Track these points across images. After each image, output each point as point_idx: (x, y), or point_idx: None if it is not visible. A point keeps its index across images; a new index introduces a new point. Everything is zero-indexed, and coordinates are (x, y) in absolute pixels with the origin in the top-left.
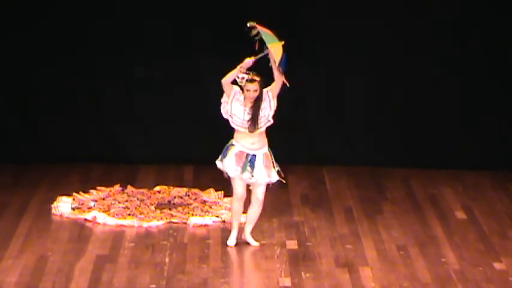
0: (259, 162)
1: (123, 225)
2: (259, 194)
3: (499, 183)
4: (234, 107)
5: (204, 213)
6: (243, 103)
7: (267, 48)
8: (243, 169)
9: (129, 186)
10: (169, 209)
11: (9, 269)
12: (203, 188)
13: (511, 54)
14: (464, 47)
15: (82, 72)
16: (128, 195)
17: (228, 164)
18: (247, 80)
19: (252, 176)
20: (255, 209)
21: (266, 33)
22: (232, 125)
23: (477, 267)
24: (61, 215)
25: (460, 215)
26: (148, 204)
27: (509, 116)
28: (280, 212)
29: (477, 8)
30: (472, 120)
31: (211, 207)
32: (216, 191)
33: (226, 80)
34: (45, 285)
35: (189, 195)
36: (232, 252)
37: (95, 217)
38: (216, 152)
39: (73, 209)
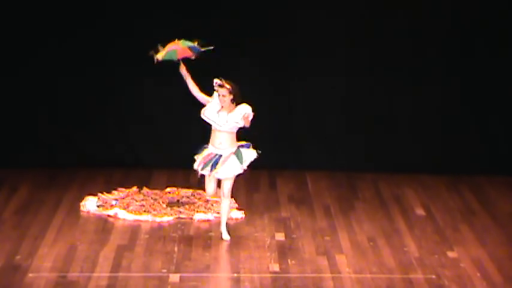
0: (222, 160)
1: (139, 220)
2: (225, 189)
3: (452, 185)
4: (212, 105)
5: (207, 210)
6: (220, 104)
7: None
8: (205, 166)
9: (144, 188)
10: (178, 207)
11: (45, 256)
12: None
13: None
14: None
15: (104, 84)
16: (144, 195)
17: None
18: (218, 85)
19: (210, 172)
20: (224, 204)
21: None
22: (204, 117)
23: (433, 255)
24: (88, 212)
25: (420, 211)
26: (161, 202)
27: (463, 129)
28: (270, 209)
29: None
30: (430, 132)
31: (213, 205)
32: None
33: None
34: (75, 269)
35: (194, 195)
36: (230, 243)
37: (116, 213)
38: None
39: (98, 206)
